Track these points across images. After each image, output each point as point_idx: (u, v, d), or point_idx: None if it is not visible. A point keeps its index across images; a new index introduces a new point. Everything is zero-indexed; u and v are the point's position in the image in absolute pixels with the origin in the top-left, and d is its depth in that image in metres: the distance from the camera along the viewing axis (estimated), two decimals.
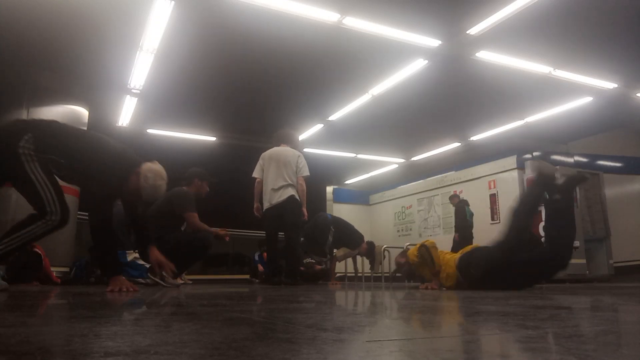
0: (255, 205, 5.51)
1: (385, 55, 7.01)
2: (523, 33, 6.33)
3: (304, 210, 5.38)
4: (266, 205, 5.38)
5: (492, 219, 8.85)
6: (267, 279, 5.74)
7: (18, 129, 2.91)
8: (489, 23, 6.04)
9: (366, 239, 7.53)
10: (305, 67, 7.62)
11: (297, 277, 5.46)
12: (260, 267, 9.22)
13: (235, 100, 9.05)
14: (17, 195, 6.43)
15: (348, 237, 7.23)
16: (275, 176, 5.33)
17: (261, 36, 6.43)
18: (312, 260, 8.13)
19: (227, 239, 4.80)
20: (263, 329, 1.17)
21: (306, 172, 5.40)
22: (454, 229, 8.79)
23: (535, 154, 8.49)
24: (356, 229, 7.40)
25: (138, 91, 8.13)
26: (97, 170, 3.03)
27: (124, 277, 3.16)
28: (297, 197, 5.30)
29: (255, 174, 5.53)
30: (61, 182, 3.03)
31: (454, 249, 8.26)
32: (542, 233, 5.54)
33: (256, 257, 9.67)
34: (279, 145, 5.62)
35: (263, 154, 5.59)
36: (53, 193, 2.88)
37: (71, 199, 7.40)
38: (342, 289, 4.76)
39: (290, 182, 5.31)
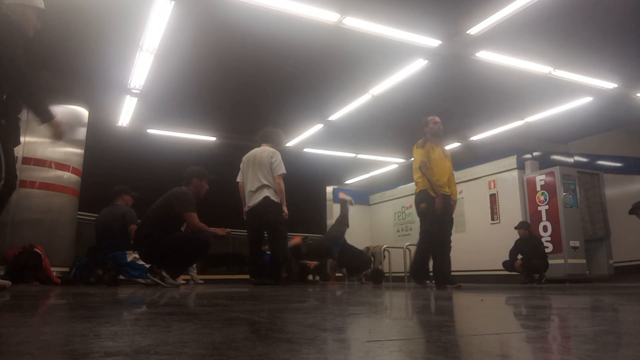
0: (244, 209, 5.60)
1: (385, 55, 7.00)
2: (523, 33, 6.32)
3: (284, 208, 5.40)
4: (247, 207, 5.50)
5: (492, 219, 8.86)
6: (250, 277, 5.81)
7: None
8: (489, 23, 6.03)
9: (366, 239, 7.51)
10: (305, 67, 7.61)
11: (280, 278, 5.50)
12: None
13: (235, 100, 9.04)
14: (17, 196, 6.47)
15: (351, 260, 7.16)
16: (252, 179, 5.44)
17: (261, 36, 6.43)
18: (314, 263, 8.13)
19: (228, 231, 4.78)
20: (263, 329, 1.17)
21: (281, 171, 5.40)
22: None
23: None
24: (364, 253, 7.26)
25: (138, 91, 8.12)
26: None
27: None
28: (273, 198, 5.35)
29: (238, 178, 5.68)
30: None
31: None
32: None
33: None
34: (260, 146, 5.69)
35: (243, 157, 5.68)
36: (2, 159, 2.88)
37: (71, 199, 7.40)
38: (341, 289, 4.77)
39: (265, 182, 5.36)
